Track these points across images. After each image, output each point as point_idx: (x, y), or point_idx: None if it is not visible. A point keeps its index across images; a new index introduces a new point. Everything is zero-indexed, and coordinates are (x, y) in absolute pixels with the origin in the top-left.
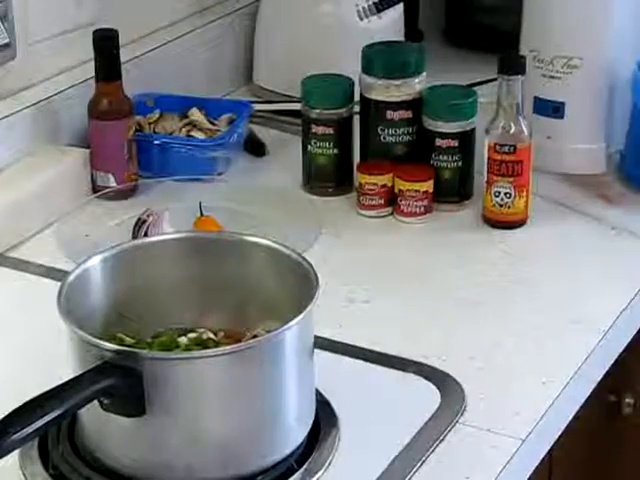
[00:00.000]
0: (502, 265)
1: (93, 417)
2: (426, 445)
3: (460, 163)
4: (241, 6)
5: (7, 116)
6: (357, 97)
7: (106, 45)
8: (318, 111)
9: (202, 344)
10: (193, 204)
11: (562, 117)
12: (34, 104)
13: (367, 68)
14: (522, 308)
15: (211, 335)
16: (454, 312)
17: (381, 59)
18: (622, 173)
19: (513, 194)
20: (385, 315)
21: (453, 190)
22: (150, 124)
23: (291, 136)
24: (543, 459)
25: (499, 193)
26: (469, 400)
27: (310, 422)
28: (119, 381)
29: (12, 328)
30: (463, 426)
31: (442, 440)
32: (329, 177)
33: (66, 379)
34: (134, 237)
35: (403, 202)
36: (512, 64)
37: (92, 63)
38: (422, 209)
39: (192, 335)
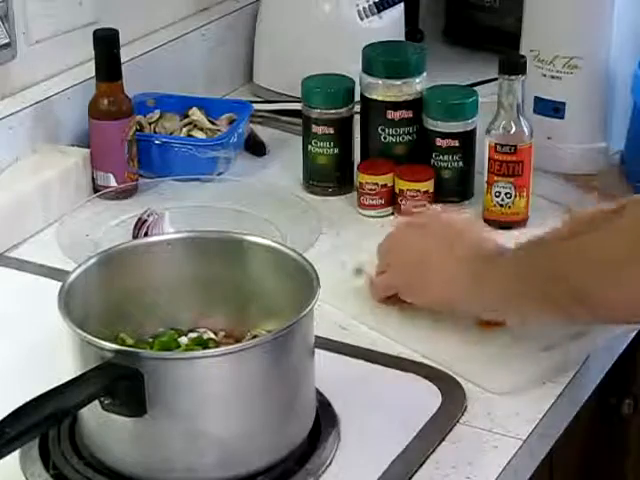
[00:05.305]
0: None
1: (93, 417)
2: (427, 445)
3: (460, 163)
4: (241, 6)
5: (7, 116)
6: (357, 97)
7: (106, 45)
8: (318, 111)
9: (202, 344)
10: (193, 204)
11: (562, 117)
12: (34, 104)
13: (367, 68)
14: None
15: (211, 335)
16: None
17: (381, 59)
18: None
19: (513, 194)
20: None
21: (453, 190)
22: (150, 124)
23: (291, 136)
24: (544, 459)
25: (499, 193)
26: (470, 400)
27: (310, 422)
28: (119, 381)
29: (12, 328)
30: (464, 426)
31: (443, 440)
32: (329, 177)
33: (66, 379)
34: (134, 237)
35: (403, 202)
36: (513, 64)
37: (92, 63)
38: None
39: (192, 335)
